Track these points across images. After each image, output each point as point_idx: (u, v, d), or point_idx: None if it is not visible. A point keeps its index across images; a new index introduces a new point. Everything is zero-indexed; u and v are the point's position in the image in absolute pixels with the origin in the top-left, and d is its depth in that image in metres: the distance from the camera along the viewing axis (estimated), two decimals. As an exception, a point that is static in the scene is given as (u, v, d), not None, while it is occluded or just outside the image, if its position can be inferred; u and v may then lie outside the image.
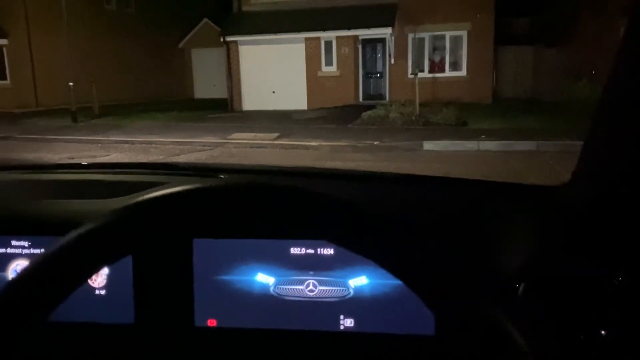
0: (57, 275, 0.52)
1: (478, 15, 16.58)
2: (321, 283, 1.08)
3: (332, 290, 1.08)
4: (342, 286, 1.08)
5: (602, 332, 1.00)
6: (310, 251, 1.07)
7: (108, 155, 10.05)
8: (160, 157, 9.66)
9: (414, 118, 12.86)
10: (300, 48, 17.25)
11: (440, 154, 9.53)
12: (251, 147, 10.78)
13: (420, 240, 0.55)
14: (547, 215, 1.13)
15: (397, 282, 1.05)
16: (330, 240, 0.92)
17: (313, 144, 10.67)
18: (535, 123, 12.04)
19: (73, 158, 9.32)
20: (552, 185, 1.19)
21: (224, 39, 17.50)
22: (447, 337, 1.03)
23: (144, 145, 11.21)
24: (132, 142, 11.47)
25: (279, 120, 14.24)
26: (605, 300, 1.00)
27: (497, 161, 8.68)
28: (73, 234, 0.53)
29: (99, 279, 1.10)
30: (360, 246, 0.57)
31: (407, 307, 1.06)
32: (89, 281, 1.08)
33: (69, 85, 14.91)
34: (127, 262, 1.08)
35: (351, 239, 0.56)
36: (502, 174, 7.52)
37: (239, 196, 0.55)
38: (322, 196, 0.56)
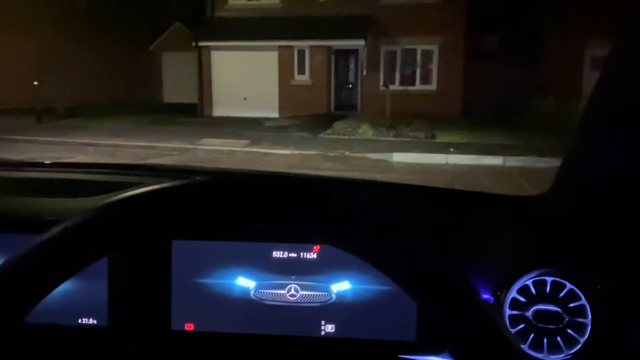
0: (31, 278, 0.50)
1: (449, 31, 16.90)
2: (303, 288, 1.07)
3: (314, 295, 1.07)
4: (324, 291, 1.07)
5: (581, 338, 1.01)
6: (293, 255, 1.06)
7: (73, 157, 9.81)
8: (127, 161, 9.48)
9: (384, 129, 12.98)
10: (274, 56, 17.25)
11: (410, 166, 9.63)
12: (221, 154, 10.68)
13: (410, 242, 0.55)
14: (526, 224, 1.15)
15: (379, 287, 1.05)
16: (319, 240, 0.90)
17: (284, 152, 10.65)
18: (502, 138, 12.29)
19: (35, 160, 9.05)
20: (530, 195, 1.21)
21: (196, 43, 17.37)
22: (427, 342, 1.03)
23: (110, 148, 10.99)
24: (98, 145, 11.23)
25: (250, 127, 14.17)
26: (584, 306, 1.02)
27: (464, 174, 8.82)
28: (47, 235, 0.50)
29: (73, 280, 1.06)
30: (350, 245, 0.56)
31: (389, 313, 1.05)
32: (62, 282, 1.05)
33: (34, 85, 14.52)
34: (102, 262, 1.04)
35: (341, 238, 0.55)
36: (468, 186, 7.64)
37: (220, 195, 0.53)
38: (313, 194, 0.55)
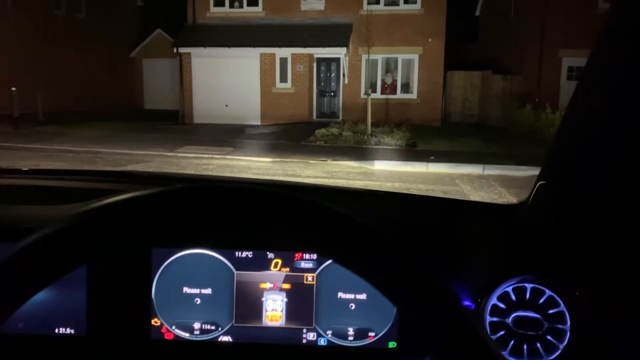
0: (8, 286, 0.49)
1: (430, 40, 17.09)
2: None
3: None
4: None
5: (561, 344, 1.02)
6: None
7: (52, 164, 9.66)
8: (107, 168, 9.36)
9: (366, 137, 13.04)
10: (255, 63, 17.24)
11: (390, 173, 9.68)
12: (202, 161, 10.63)
13: (391, 249, 0.55)
14: (506, 232, 1.16)
15: (360, 294, 1.05)
16: (300, 248, 0.89)
17: (266, 159, 10.64)
18: (482, 146, 12.45)
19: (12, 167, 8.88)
20: (510, 203, 1.23)
21: (177, 50, 17.28)
22: (407, 349, 1.03)
23: (89, 155, 10.86)
24: (77, 152, 11.09)
25: (231, 135, 14.12)
26: (563, 313, 1.03)
27: (445, 181, 8.90)
28: (24, 243, 0.49)
29: (51, 288, 1.04)
30: (331, 252, 0.55)
31: (370, 319, 1.05)
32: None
33: (11, 91, 14.30)
34: (81, 270, 1.03)
35: (322, 245, 0.55)
36: (448, 193, 7.70)
37: (200, 202, 0.52)
38: (294, 202, 0.54)
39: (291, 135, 13.98)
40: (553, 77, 16.22)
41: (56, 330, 1.04)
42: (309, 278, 1.05)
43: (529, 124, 14.12)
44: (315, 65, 17.48)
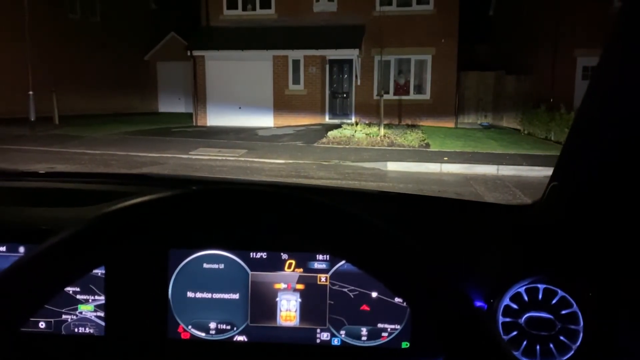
0: (28, 288, 0.50)
1: (443, 41, 17.01)
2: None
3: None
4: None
5: (573, 345, 1.02)
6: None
7: (67, 167, 9.77)
8: (122, 171, 9.45)
9: (378, 138, 13.03)
10: (268, 65, 17.30)
11: (403, 174, 9.66)
12: (216, 163, 10.69)
13: (404, 250, 0.55)
14: (519, 232, 1.16)
15: (373, 294, 1.06)
16: (314, 249, 0.91)
17: (279, 161, 10.66)
18: (495, 147, 12.37)
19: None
20: (523, 203, 1.23)
21: (190, 53, 17.39)
22: (420, 349, 1.04)
23: (104, 157, 10.97)
24: (93, 154, 11.20)
25: (244, 137, 14.18)
26: (576, 313, 1.03)
27: (458, 182, 8.85)
28: (43, 245, 0.51)
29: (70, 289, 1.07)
30: (344, 253, 0.56)
31: (383, 319, 1.06)
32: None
33: (28, 94, 14.50)
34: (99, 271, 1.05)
35: (336, 246, 0.55)
36: (462, 195, 7.66)
37: (216, 204, 0.53)
38: (308, 204, 0.55)
39: (304, 136, 14.00)
40: (568, 77, 16.07)
41: (75, 330, 1.06)
42: (322, 279, 1.06)
43: (544, 125, 14.00)
44: (327, 66, 17.49)
